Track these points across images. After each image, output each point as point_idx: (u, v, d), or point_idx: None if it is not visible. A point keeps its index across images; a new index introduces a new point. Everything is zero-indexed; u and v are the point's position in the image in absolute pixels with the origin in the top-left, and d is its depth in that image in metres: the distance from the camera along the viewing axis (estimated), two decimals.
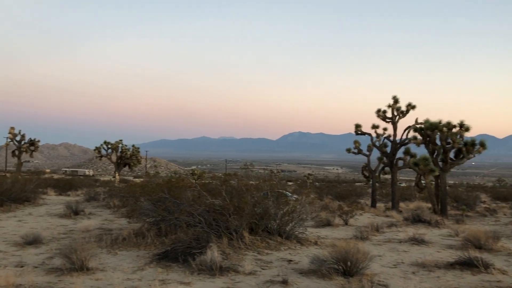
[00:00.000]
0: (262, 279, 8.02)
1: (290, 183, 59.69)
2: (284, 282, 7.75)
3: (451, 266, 9.37)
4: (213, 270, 8.14)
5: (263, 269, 8.79)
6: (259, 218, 11.53)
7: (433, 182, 24.71)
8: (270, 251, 10.54)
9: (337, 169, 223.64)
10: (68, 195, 29.76)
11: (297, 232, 12.14)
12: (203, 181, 19.25)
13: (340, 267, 8.39)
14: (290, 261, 9.66)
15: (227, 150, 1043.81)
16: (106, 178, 73.48)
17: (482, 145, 23.37)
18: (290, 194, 20.11)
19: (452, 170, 25.24)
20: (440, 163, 23.97)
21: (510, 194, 42.22)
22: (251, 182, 14.27)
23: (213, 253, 8.46)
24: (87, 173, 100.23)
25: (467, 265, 9.17)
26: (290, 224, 12.07)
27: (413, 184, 35.29)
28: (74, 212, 17.32)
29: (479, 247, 11.63)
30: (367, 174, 30.37)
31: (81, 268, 8.07)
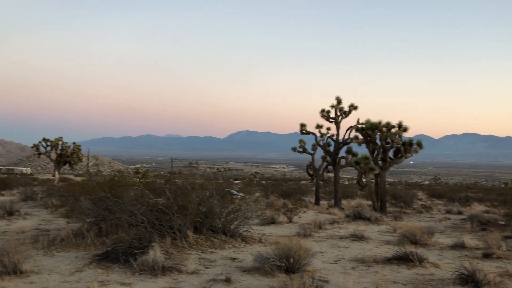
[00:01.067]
0: (206, 278, 7.99)
1: (236, 182, 59.80)
2: (227, 280, 7.76)
3: (388, 261, 9.77)
4: (155, 270, 8.02)
5: (206, 268, 8.76)
6: (204, 217, 11.47)
7: (374, 180, 25.60)
8: (215, 249, 10.53)
9: (283, 167, 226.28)
10: (3, 195, 28.23)
11: (242, 230, 12.20)
12: (147, 180, 18.88)
13: (283, 264, 8.51)
14: (234, 259, 9.69)
15: (173, 148, 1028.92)
16: (45, 176, 70.24)
17: (419, 144, 24.41)
18: (236, 192, 20.14)
19: (391, 168, 26.22)
20: (380, 162, 24.83)
21: (445, 192, 44.53)
22: (196, 180, 14.18)
23: (155, 253, 8.33)
24: (24, 171, 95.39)
25: (403, 259, 9.59)
26: (235, 223, 12.10)
27: (355, 182, 36.38)
28: (8, 212, 16.46)
29: (415, 242, 12.23)
30: (311, 172, 30.97)
31: (14, 271, 7.70)
